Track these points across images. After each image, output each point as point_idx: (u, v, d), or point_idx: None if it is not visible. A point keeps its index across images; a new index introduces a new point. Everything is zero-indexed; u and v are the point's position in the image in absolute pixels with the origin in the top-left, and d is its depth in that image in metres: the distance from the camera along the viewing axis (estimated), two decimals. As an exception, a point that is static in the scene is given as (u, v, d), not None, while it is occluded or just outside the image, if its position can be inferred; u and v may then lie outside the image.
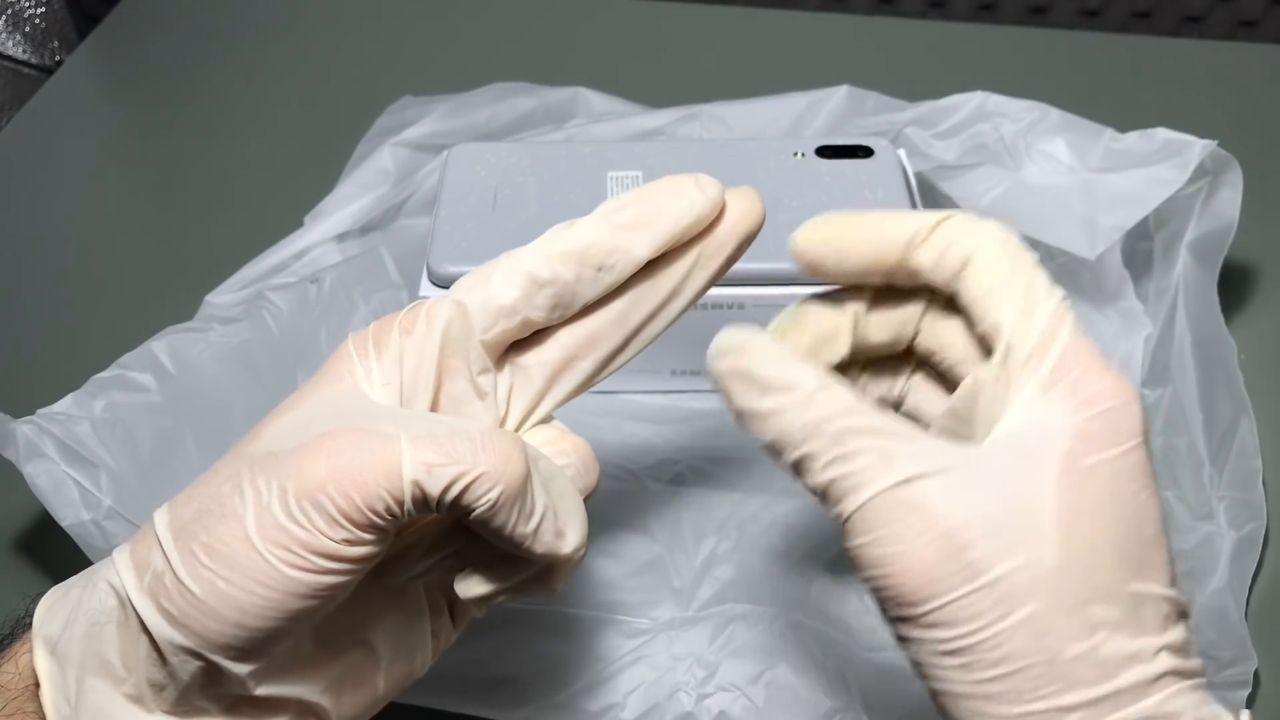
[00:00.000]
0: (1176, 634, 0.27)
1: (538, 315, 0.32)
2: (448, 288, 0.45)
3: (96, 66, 0.69)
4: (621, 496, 0.44)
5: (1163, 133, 0.50)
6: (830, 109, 0.56)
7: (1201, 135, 0.48)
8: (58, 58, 0.74)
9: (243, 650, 0.28)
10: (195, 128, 0.64)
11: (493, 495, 0.28)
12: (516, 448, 0.28)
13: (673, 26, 0.69)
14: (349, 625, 0.31)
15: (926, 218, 0.31)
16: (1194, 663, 0.27)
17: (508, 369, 0.33)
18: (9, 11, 0.71)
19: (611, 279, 0.32)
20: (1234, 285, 0.51)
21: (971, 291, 0.30)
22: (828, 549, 0.43)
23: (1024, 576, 0.26)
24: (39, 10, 0.73)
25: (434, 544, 0.31)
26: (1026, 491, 0.27)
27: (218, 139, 0.63)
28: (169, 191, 0.61)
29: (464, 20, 0.70)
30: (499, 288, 0.31)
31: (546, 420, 0.33)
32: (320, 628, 0.30)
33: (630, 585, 0.42)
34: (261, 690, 0.29)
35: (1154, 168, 0.48)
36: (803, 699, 0.38)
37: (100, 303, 0.55)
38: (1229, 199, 0.48)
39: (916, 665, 0.28)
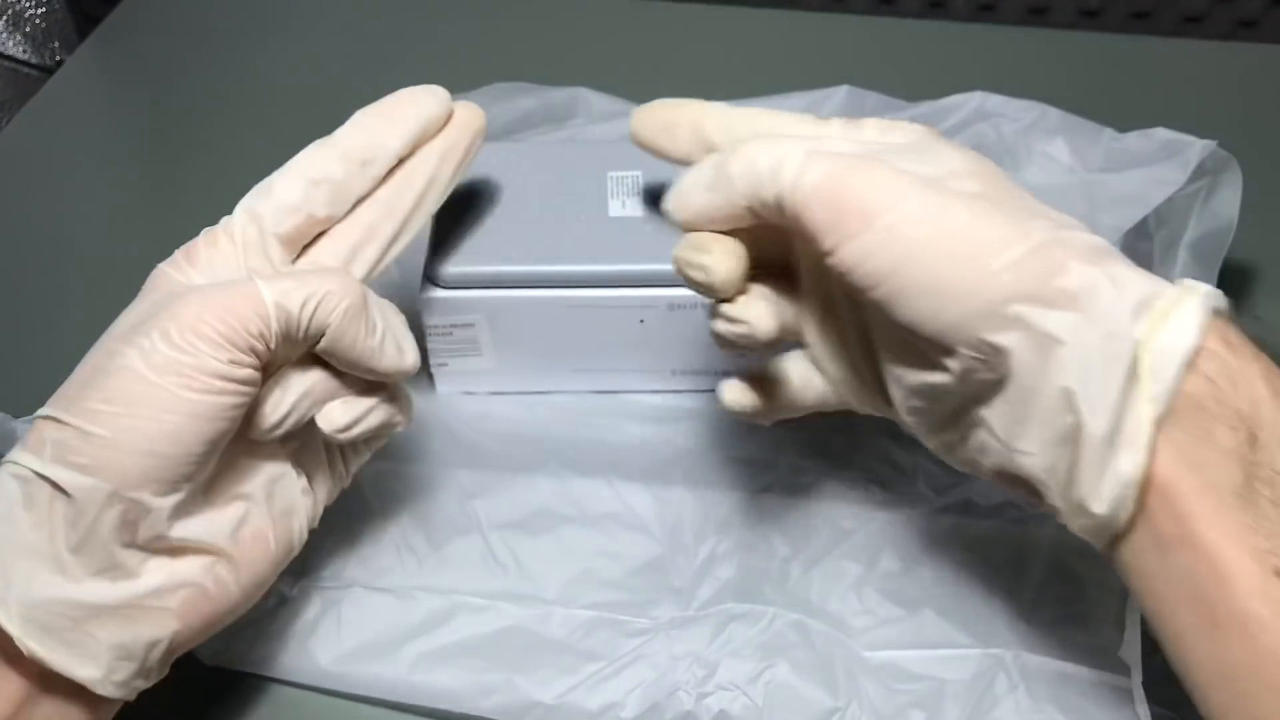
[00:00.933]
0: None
1: (320, 211, 0.36)
2: (448, 288, 0.45)
3: (96, 66, 0.69)
4: (621, 496, 0.44)
5: (1163, 133, 0.50)
6: (830, 109, 0.56)
7: (1201, 135, 0.48)
8: (58, 58, 0.74)
9: (161, 482, 0.30)
10: (195, 128, 0.64)
11: (341, 307, 0.33)
12: (349, 274, 0.35)
13: (673, 26, 0.69)
14: (230, 482, 0.34)
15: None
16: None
17: (304, 264, 0.37)
18: (9, 11, 0.71)
19: (376, 170, 0.37)
20: (1234, 285, 0.51)
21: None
22: (828, 549, 0.43)
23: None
24: (39, 10, 0.73)
25: (292, 385, 0.35)
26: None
27: (218, 139, 0.63)
28: (169, 191, 0.61)
29: (464, 20, 0.70)
30: (281, 189, 0.36)
31: None
32: (207, 486, 0.33)
33: (630, 585, 0.42)
34: (176, 532, 0.32)
35: (1154, 168, 0.48)
36: (803, 699, 0.38)
37: (100, 303, 0.54)
38: (1229, 199, 0.48)
39: None
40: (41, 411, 0.31)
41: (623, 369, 0.47)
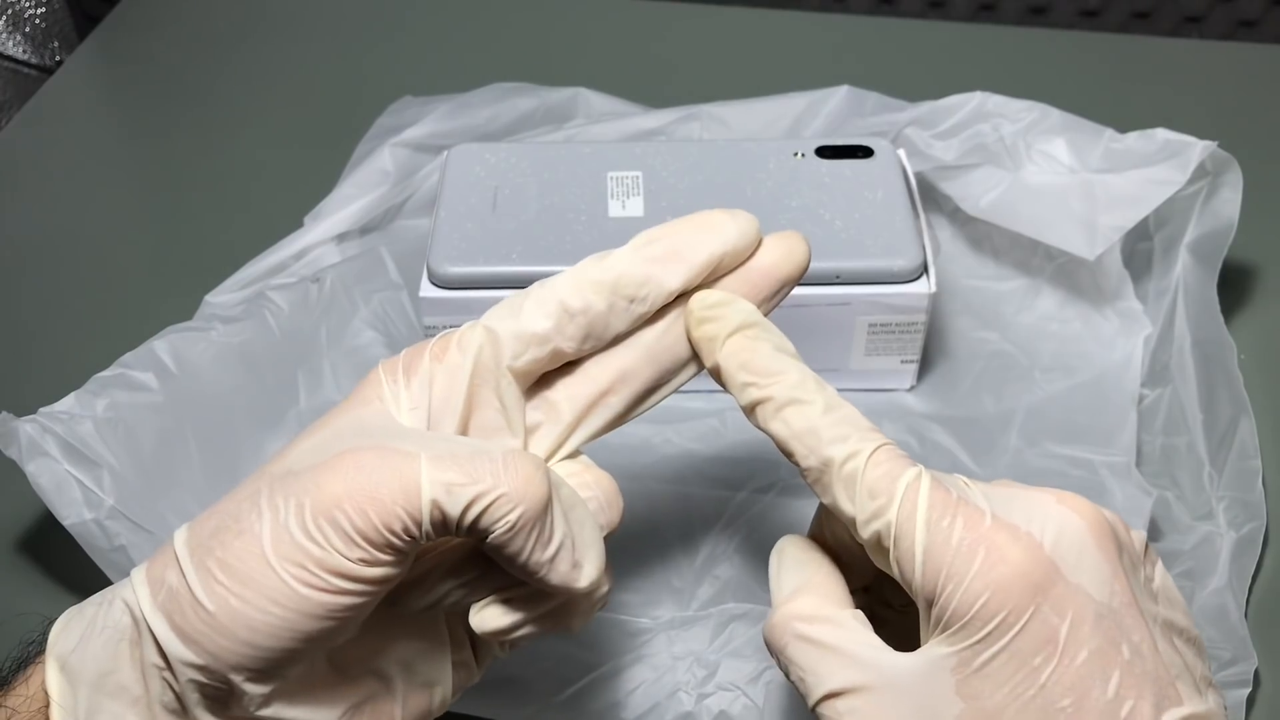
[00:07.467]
0: None
1: (569, 345, 0.31)
2: (448, 288, 0.45)
3: (96, 66, 0.69)
4: (621, 496, 0.44)
5: (1163, 133, 0.50)
6: (830, 109, 0.56)
7: (1201, 135, 0.48)
8: (58, 58, 0.74)
9: (255, 671, 0.27)
10: (195, 128, 0.64)
11: (512, 517, 0.27)
12: (539, 470, 0.28)
13: (673, 26, 0.69)
14: (364, 654, 0.30)
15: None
16: None
17: (536, 401, 0.32)
18: (9, 11, 0.71)
19: (643, 310, 0.31)
20: (1234, 285, 0.51)
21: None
22: (828, 549, 0.43)
23: None
24: (39, 10, 0.73)
25: (449, 571, 0.31)
26: (933, 704, 0.28)
27: (218, 139, 0.63)
28: (169, 191, 0.61)
29: (464, 20, 0.70)
30: (530, 316, 0.31)
31: (573, 456, 0.33)
32: (335, 654, 0.30)
33: (630, 585, 0.42)
34: (269, 712, 0.28)
35: (1154, 168, 0.48)
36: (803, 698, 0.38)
37: (100, 303, 0.55)
38: (1229, 199, 0.48)
39: None
40: (178, 531, 0.28)
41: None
